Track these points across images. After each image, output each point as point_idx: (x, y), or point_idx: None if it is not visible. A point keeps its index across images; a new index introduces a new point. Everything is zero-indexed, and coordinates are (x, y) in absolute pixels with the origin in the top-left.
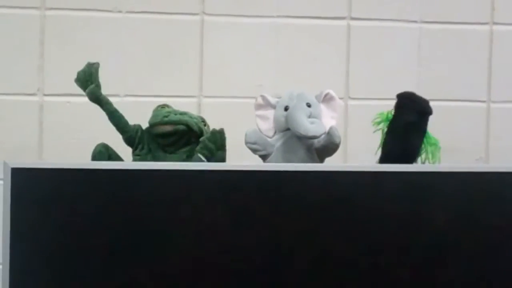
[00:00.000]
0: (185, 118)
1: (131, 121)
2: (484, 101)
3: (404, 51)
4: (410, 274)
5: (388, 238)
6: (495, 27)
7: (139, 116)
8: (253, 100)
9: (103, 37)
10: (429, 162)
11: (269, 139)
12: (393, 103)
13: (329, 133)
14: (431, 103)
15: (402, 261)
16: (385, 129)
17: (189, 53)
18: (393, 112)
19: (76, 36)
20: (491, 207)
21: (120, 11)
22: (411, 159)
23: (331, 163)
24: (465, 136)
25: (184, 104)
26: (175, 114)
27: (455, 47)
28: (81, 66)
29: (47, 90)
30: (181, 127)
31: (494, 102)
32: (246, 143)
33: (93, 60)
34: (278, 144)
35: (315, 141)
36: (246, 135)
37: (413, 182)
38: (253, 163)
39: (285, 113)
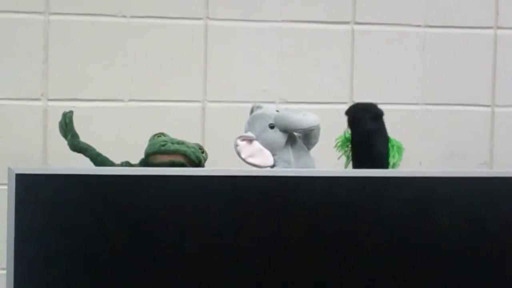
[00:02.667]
0: (183, 148)
1: (136, 126)
2: (488, 106)
3: (408, 55)
4: (415, 278)
5: (393, 243)
6: (499, 31)
7: (143, 121)
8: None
9: (107, 42)
10: (396, 165)
11: (283, 165)
12: (397, 107)
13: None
14: (435, 107)
15: (408, 266)
16: (348, 151)
17: (193, 57)
18: (349, 131)
19: (80, 40)
20: (495, 212)
21: (124, 16)
22: (382, 166)
23: (336, 169)
24: (469, 141)
25: (188, 109)
26: (172, 143)
27: (460, 52)
28: (85, 70)
29: (51, 95)
30: (178, 159)
31: (498, 106)
32: None
33: (96, 65)
34: (292, 160)
35: (297, 135)
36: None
37: (417, 187)
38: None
39: (275, 130)
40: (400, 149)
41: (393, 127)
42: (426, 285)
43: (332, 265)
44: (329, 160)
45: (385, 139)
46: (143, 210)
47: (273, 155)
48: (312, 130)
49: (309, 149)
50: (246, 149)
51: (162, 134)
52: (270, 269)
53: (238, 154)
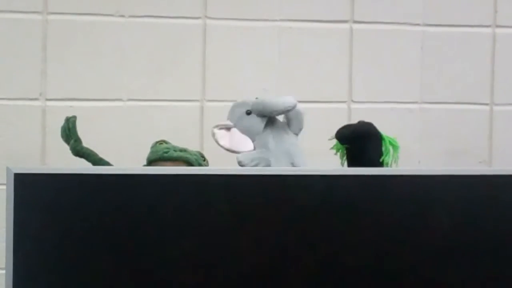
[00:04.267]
0: (186, 155)
1: (135, 126)
2: (487, 104)
3: (407, 54)
4: (413, 277)
5: (391, 242)
6: (498, 30)
7: (142, 121)
8: None
9: (105, 42)
10: (388, 164)
11: (260, 150)
12: (396, 106)
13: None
14: (434, 106)
15: (406, 265)
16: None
17: (191, 57)
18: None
19: (78, 40)
20: (494, 210)
21: (122, 16)
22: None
23: (335, 167)
24: (468, 139)
25: (187, 109)
26: (175, 151)
27: (458, 50)
28: (83, 70)
29: (49, 95)
30: (181, 166)
31: (496, 104)
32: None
33: (95, 64)
34: (271, 145)
35: (281, 119)
36: (240, 161)
37: (416, 185)
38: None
39: (251, 115)
40: (395, 149)
41: (391, 125)
42: (426, 284)
43: (331, 264)
44: (327, 158)
45: (378, 144)
46: (143, 209)
47: (252, 140)
48: (288, 110)
49: (297, 134)
50: (224, 137)
51: (164, 141)
52: (270, 268)
53: (216, 142)
